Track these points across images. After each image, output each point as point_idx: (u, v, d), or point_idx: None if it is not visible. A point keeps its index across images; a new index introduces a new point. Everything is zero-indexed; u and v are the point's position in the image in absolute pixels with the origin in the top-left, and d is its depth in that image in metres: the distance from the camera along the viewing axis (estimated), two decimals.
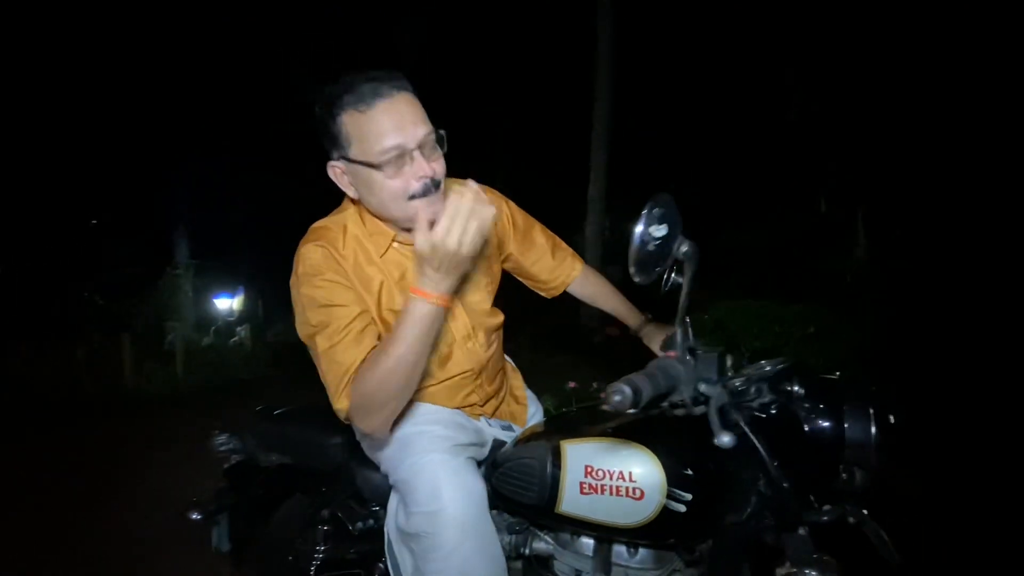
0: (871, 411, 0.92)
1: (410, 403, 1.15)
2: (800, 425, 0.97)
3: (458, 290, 1.15)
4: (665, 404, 0.91)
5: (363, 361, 0.99)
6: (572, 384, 2.70)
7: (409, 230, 1.05)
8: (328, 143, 1.02)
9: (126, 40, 7.88)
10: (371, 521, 1.40)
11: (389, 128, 0.96)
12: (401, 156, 0.97)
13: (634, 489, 0.96)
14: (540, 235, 1.34)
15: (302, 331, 1.05)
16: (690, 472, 0.96)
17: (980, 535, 1.99)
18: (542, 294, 1.42)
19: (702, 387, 0.90)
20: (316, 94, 1.02)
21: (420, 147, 0.98)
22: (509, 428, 1.30)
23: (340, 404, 1.00)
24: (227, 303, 10.04)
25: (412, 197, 0.99)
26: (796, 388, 0.98)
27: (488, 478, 1.17)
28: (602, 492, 0.98)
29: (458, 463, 1.08)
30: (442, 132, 1.02)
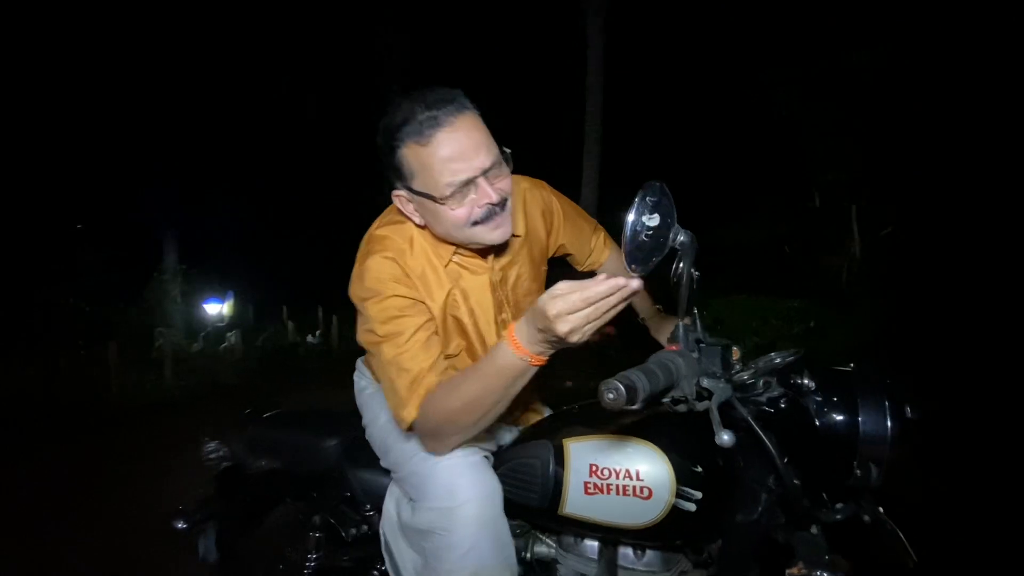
0: (886, 404, 0.89)
1: None
2: (811, 419, 0.94)
3: (514, 301, 1.15)
4: (667, 400, 0.88)
5: (431, 369, 0.98)
6: (569, 383, 2.66)
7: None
8: (391, 174, 1.00)
9: (111, 42, 7.78)
10: (365, 527, 1.35)
11: (451, 161, 0.93)
12: (465, 186, 0.95)
13: (641, 488, 0.92)
14: (583, 221, 1.34)
15: (366, 338, 1.04)
16: (699, 469, 0.92)
17: (997, 534, 1.95)
18: (577, 268, 1.42)
19: (705, 382, 0.86)
20: (377, 124, 1.00)
21: (486, 173, 0.95)
22: None
23: (408, 413, 0.98)
24: (217, 308, 9.89)
25: (475, 223, 0.98)
26: (806, 381, 0.94)
27: None
28: (608, 492, 0.94)
29: (475, 460, 1.05)
30: (507, 151, 0.99)
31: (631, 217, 0.77)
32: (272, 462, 1.56)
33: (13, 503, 3.27)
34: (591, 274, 1.43)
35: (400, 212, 1.07)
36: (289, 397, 5.94)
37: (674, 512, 0.91)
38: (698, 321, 0.99)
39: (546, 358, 0.88)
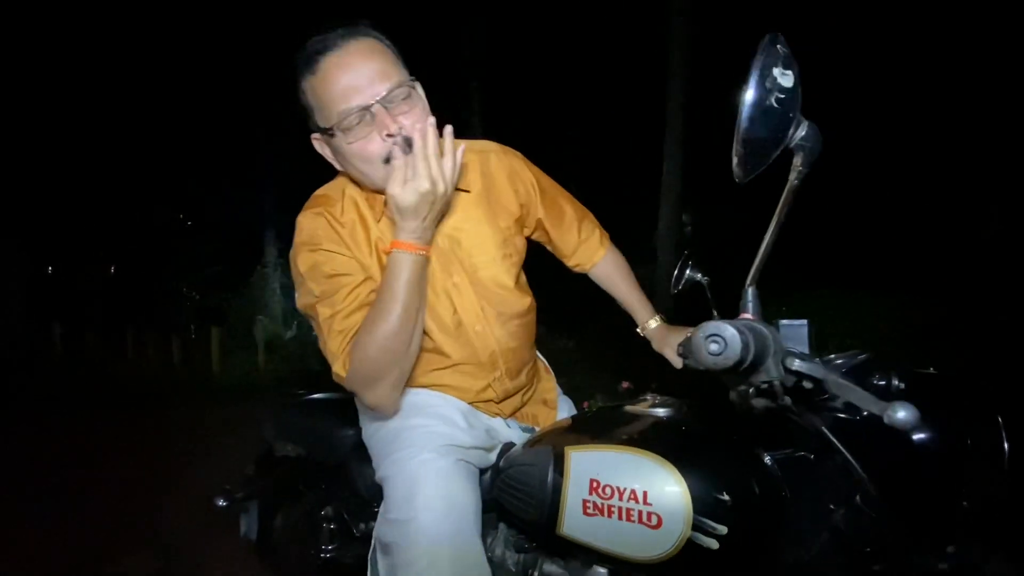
0: (1000, 419, 0.65)
1: (412, 391, 1.04)
2: (904, 433, 0.70)
3: (471, 266, 1.02)
4: (744, 388, 0.69)
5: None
6: (626, 384, 2.43)
7: None
8: (306, 118, 0.95)
9: (215, 46, 8.47)
10: (372, 523, 1.28)
11: (342, 87, 0.86)
12: (360, 116, 0.87)
13: (649, 514, 0.74)
14: (568, 205, 1.19)
15: (303, 301, 0.98)
16: (726, 498, 0.72)
17: None
18: (566, 264, 1.27)
19: (796, 363, 0.65)
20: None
21: (385, 102, 0.87)
22: (531, 432, 1.13)
23: (339, 369, 0.93)
24: None
25: (388, 160, 0.89)
26: (896, 382, 0.71)
27: (492, 485, 1.00)
28: (609, 514, 0.77)
29: (445, 465, 0.93)
30: (413, 80, 0.91)
31: (755, 73, 0.55)
32: (296, 448, 1.54)
33: (100, 462, 3.67)
34: (582, 277, 1.26)
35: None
36: None
37: (691, 547, 0.72)
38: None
39: (424, 242, 0.89)
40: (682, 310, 1.23)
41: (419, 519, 0.86)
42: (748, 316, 0.68)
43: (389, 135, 0.87)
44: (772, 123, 0.57)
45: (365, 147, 0.88)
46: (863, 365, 0.73)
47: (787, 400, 0.65)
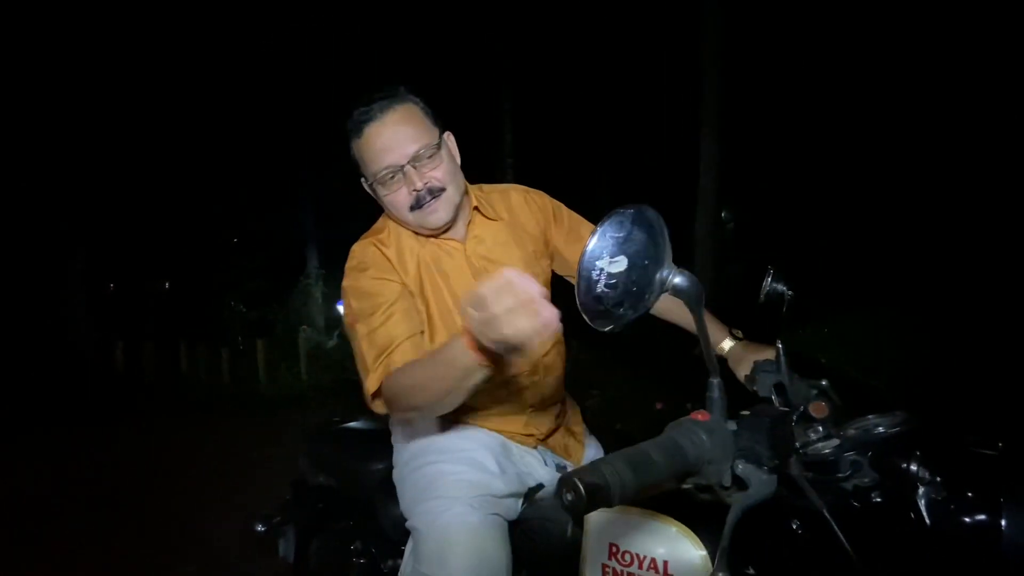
0: None
1: (442, 428, 1.06)
2: (922, 526, 0.64)
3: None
4: (688, 486, 0.65)
5: (405, 343, 0.97)
6: (659, 405, 2.37)
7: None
8: (357, 168, 1.11)
9: (262, 75, 8.80)
10: (399, 561, 1.28)
11: (378, 151, 1.01)
12: (395, 174, 1.02)
13: None
14: (589, 232, 1.16)
15: (347, 320, 1.06)
16: (752, 572, 0.68)
17: None
18: None
19: (740, 467, 0.62)
20: None
21: (414, 162, 1.01)
22: (564, 468, 1.12)
23: (370, 382, 0.97)
24: None
25: (411, 208, 1.03)
26: (915, 467, 0.65)
27: (515, 533, 0.99)
28: None
29: (477, 521, 0.93)
30: (443, 138, 1.05)
31: (584, 258, 0.59)
32: (328, 479, 1.57)
33: (153, 474, 3.85)
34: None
35: None
36: None
37: None
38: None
39: (494, 363, 0.76)
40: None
41: None
42: (702, 415, 0.63)
43: (415, 190, 1.01)
44: (617, 301, 0.56)
45: (396, 199, 1.03)
46: (899, 436, 0.67)
47: (732, 500, 0.60)
